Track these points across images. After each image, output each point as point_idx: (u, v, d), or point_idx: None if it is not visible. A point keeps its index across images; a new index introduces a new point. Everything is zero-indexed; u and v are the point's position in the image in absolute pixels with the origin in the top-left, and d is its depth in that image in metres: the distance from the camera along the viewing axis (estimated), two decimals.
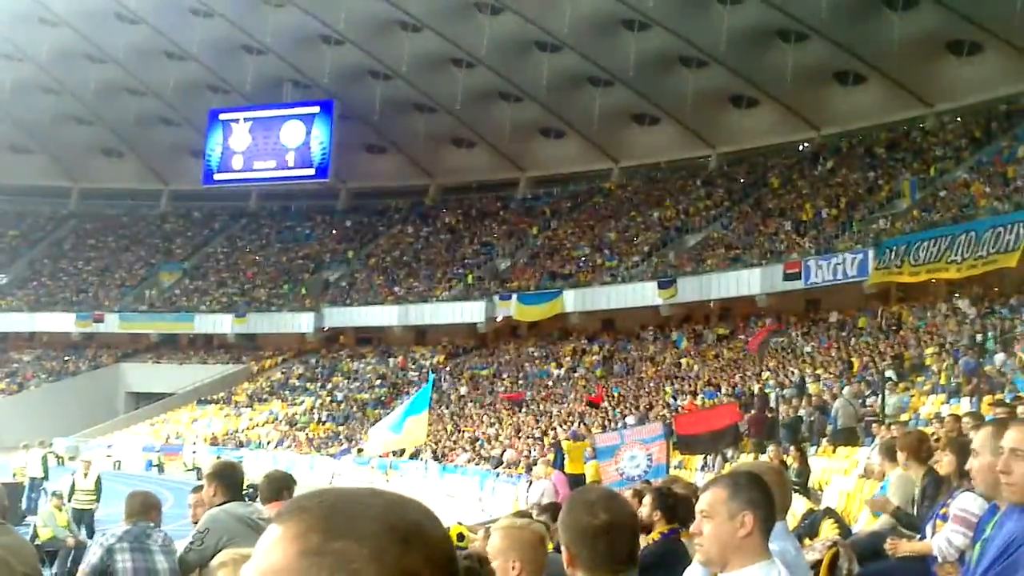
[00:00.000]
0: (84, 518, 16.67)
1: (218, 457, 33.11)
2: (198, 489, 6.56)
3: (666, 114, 47.79)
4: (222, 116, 56.82)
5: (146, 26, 50.21)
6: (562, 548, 2.93)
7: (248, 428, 42.76)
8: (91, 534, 15.21)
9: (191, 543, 5.41)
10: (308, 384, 46.96)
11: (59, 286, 56.46)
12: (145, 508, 6.11)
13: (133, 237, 59.66)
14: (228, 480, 5.74)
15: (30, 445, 24.42)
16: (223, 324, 51.47)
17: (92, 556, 5.98)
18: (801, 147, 46.16)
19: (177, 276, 56.48)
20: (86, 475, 17.48)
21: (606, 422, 30.43)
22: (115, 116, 56.05)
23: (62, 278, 57.29)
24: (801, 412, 23.31)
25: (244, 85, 53.70)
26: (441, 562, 1.13)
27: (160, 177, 61.03)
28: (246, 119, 56.65)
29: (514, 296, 44.29)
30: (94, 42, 51.86)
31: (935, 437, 8.13)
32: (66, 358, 53.21)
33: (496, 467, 29.83)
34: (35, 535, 14.07)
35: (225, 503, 5.60)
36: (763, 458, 18.48)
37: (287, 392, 46.69)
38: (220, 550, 5.19)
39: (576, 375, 39.45)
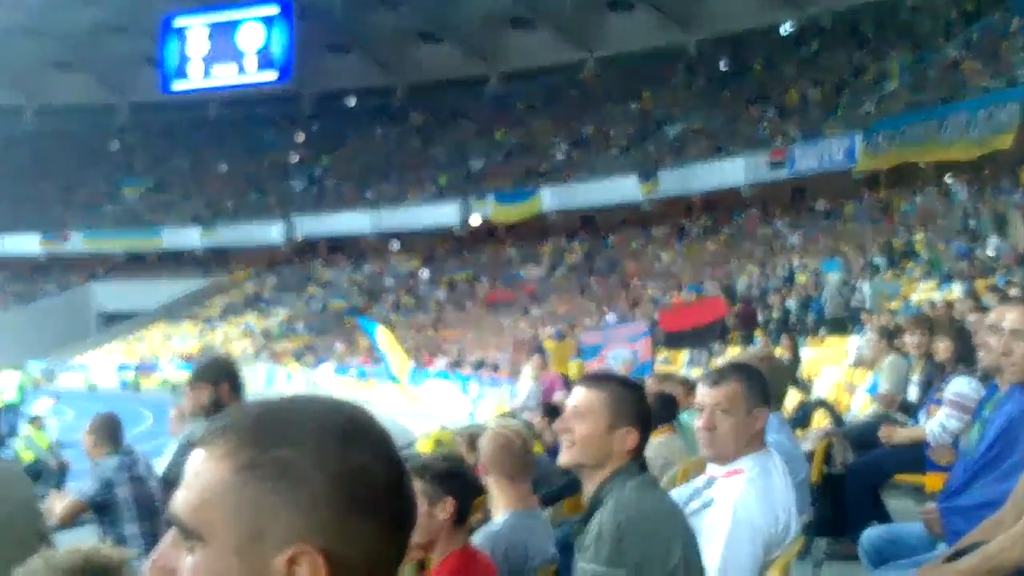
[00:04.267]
0: None
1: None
2: (179, 407, 6.37)
3: None
4: (177, 22, 54.69)
5: None
6: None
7: (224, 342, 41.79)
8: None
9: (176, 459, 5.13)
10: (282, 295, 45.96)
11: (21, 207, 54.75)
12: (117, 433, 5.98)
13: (93, 152, 57.76)
14: (224, 376, 5.21)
15: (3, 368, 24.29)
16: (191, 238, 50.14)
17: (88, 489, 5.88)
18: (783, 29, 44.55)
19: (141, 191, 54.87)
20: None
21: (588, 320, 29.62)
22: (66, 27, 53.68)
23: (23, 199, 55.56)
24: (789, 303, 23.02)
25: None
26: (386, 455, 1.08)
27: (116, 89, 58.87)
28: (202, 24, 54.51)
29: (490, 196, 43.13)
30: None
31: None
32: (35, 280, 52.02)
33: (478, 369, 29.20)
34: (17, 458, 14.00)
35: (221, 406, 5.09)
36: (751, 351, 18.05)
37: (261, 304, 45.76)
38: None
39: (557, 275, 38.53)
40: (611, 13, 47.86)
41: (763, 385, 3.10)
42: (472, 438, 5.65)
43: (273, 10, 53.41)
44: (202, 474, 1.04)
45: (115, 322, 48.39)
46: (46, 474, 14.08)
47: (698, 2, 44.87)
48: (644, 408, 2.81)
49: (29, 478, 5.36)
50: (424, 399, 27.39)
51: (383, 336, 25.83)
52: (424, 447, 8.55)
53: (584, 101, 47.90)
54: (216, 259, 50.81)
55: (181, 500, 1.04)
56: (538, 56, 50.55)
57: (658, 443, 5.68)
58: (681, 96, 44.30)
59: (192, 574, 1.03)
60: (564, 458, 2.78)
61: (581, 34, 49.18)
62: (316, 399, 1.10)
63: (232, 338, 42.34)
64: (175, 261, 51.47)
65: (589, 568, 2.55)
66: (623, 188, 39.04)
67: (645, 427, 2.78)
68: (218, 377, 4.72)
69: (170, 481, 4.99)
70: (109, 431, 6.02)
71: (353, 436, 1.05)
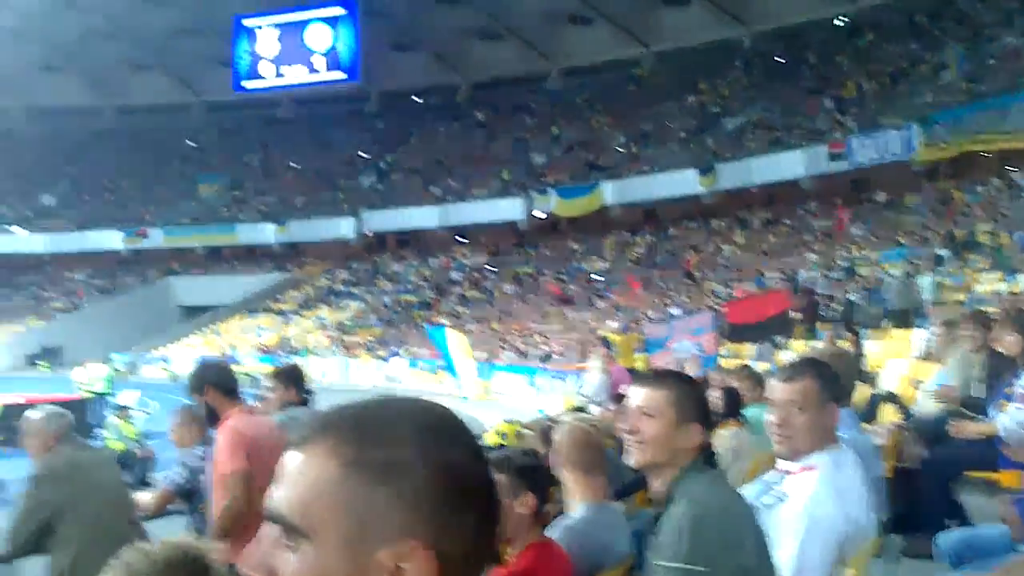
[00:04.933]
0: None
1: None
2: (263, 398, 6.63)
3: None
4: (247, 22, 56.32)
5: None
6: None
7: (298, 335, 43.32)
8: None
9: None
10: (353, 289, 47.36)
11: (104, 204, 57.07)
12: (202, 424, 6.13)
13: (169, 151, 59.74)
14: (292, 383, 5.93)
15: (90, 360, 24.84)
16: (265, 233, 51.88)
17: (177, 476, 6.10)
18: (839, 21, 44.93)
19: (216, 188, 56.76)
20: None
21: (654, 314, 30.54)
22: (141, 30, 55.62)
23: (105, 196, 57.84)
24: (852, 296, 23.07)
25: None
26: (477, 452, 1.14)
27: (191, 89, 60.81)
28: (271, 24, 56.17)
29: (552, 191, 44.11)
30: None
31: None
32: (116, 275, 53.97)
33: (545, 362, 30.11)
34: (106, 448, 14.20)
35: (290, 404, 5.80)
36: (816, 343, 18.52)
37: (333, 298, 47.14)
38: None
39: (620, 268, 39.44)
40: (667, 8, 48.53)
41: (835, 381, 3.08)
42: (546, 431, 5.59)
43: (339, 11, 54.84)
44: (306, 472, 1.07)
45: (194, 315, 50.01)
46: (133, 464, 14.29)
47: None
48: (704, 403, 2.85)
49: (119, 467, 5.86)
50: (492, 392, 28.54)
51: (453, 339, 27.06)
52: (489, 440, 8.62)
53: (642, 96, 48.69)
54: (290, 254, 52.47)
55: (283, 498, 1.07)
56: (596, 52, 51.45)
57: (725, 437, 5.65)
58: (738, 89, 44.88)
59: (296, 571, 1.06)
60: (634, 458, 2.78)
61: (638, 29, 49.95)
62: (407, 399, 1.15)
63: (306, 331, 43.79)
64: (250, 256, 53.28)
65: (665, 566, 2.52)
66: (683, 181, 39.81)
67: (707, 422, 2.81)
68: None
69: None
70: (195, 422, 6.25)
71: (447, 433, 1.10)
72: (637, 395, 2.78)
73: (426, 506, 1.07)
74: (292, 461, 1.10)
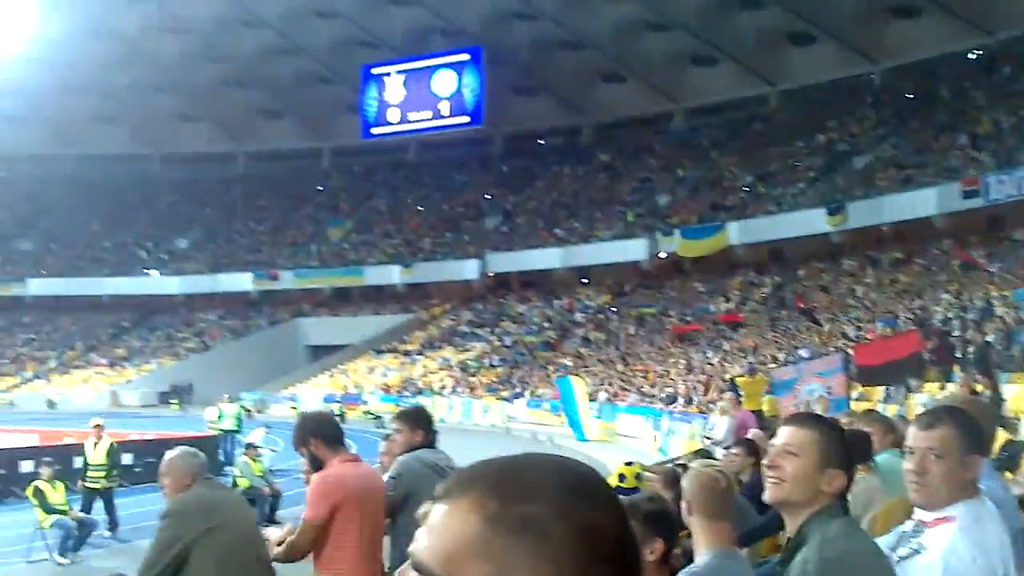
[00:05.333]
0: (94, 500, 13.94)
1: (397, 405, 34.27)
2: (388, 437, 6.70)
3: (823, 31, 46.12)
4: (375, 70, 57.87)
5: None
6: None
7: (423, 375, 43.80)
8: (110, 512, 13.96)
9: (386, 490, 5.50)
10: (477, 330, 47.71)
11: (235, 247, 58.97)
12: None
13: (299, 195, 61.49)
14: (418, 425, 5.86)
15: (228, 399, 25.42)
16: (391, 275, 52.84)
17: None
18: (973, 55, 43.66)
19: (344, 231, 58.12)
20: (96, 445, 14.38)
21: (781, 355, 29.91)
22: (273, 78, 57.63)
23: (237, 239, 59.78)
24: (989, 337, 22.20)
25: (393, 38, 54.51)
26: (618, 512, 1.13)
27: (320, 135, 62.59)
28: (398, 72, 57.58)
29: (676, 231, 43.84)
30: (248, 8, 53.28)
31: None
32: (247, 316, 55.55)
33: (669, 404, 29.73)
34: (234, 485, 14.66)
35: (416, 448, 5.71)
36: (950, 387, 17.84)
37: (457, 338, 47.56)
38: (409, 496, 5.28)
39: (746, 308, 38.83)
40: (793, 46, 47.98)
41: (978, 430, 3.00)
42: (670, 475, 5.60)
43: (464, 57, 55.90)
44: (449, 524, 1.09)
45: (322, 355, 51.10)
46: (259, 501, 14.46)
47: (881, 32, 44.54)
48: (848, 451, 2.81)
49: (249, 505, 6.14)
50: (614, 434, 28.35)
51: (577, 388, 26.92)
52: (608, 482, 8.72)
53: (768, 134, 48.10)
54: (415, 295, 53.28)
55: (427, 548, 1.10)
56: (721, 91, 51.11)
57: (854, 483, 5.28)
58: (868, 126, 43.97)
59: None
60: (772, 494, 2.76)
61: (763, 68, 49.47)
62: (552, 456, 1.15)
63: (430, 371, 44.26)
64: (377, 297, 54.30)
65: None
66: (811, 221, 39.07)
67: (849, 469, 2.77)
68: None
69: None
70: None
71: (587, 491, 1.11)
72: (784, 432, 2.78)
73: (566, 564, 1.06)
74: (437, 512, 1.13)
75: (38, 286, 58.38)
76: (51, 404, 46.06)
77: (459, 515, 1.09)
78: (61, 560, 12.11)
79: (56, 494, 12.59)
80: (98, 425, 14.27)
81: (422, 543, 1.11)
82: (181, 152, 63.62)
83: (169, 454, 5.25)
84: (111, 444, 14.26)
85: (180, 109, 60.85)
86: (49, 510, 12.42)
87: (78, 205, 61.90)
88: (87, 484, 13.92)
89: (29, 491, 12.72)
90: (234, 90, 59.16)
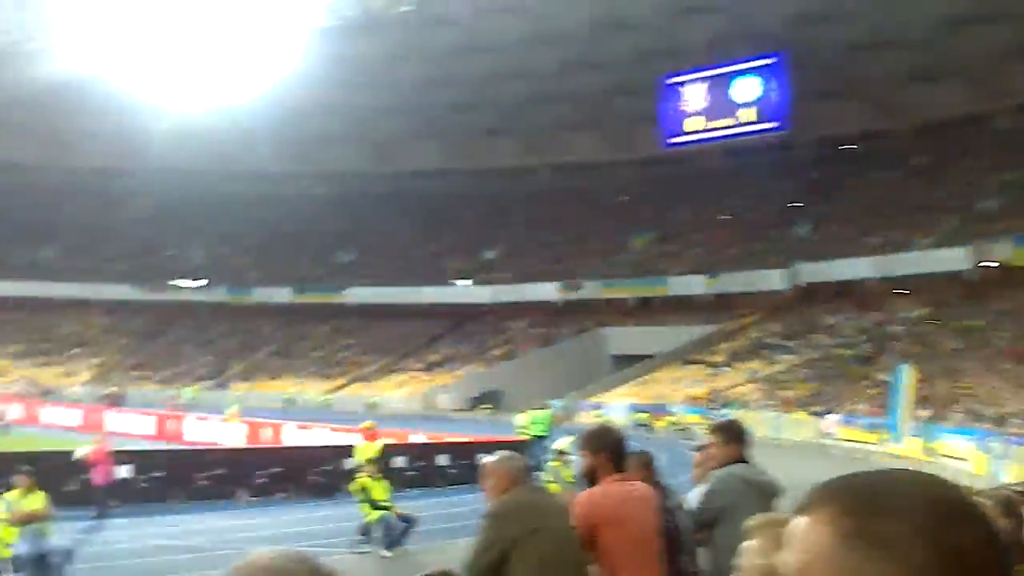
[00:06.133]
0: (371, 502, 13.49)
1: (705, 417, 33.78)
2: (701, 449, 6.57)
3: None
4: (674, 80, 57.63)
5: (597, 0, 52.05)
6: None
7: (729, 387, 42.99)
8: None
9: (700, 503, 5.47)
10: (785, 341, 46.28)
11: (540, 258, 60.44)
12: (648, 469, 6.21)
13: (602, 206, 62.20)
14: (734, 439, 5.70)
15: (531, 406, 25.84)
16: (696, 285, 52.33)
17: None
18: None
19: (648, 240, 58.20)
20: (367, 448, 14.10)
21: None
22: (574, 92, 58.67)
23: (542, 250, 61.25)
24: None
25: (692, 46, 54.01)
26: (989, 536, 1.05)
27: (621, 146, 63.09)
28: (698, 80, 57.05)
29: (1004, 238, 40.67)
30: (550, 25, 54.52)
31: None
32: (553, 325, 56.72)
33: (999, 426, 27.60)
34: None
35: (730, 463, 5.58)
36: None
37: (765, 350, 46.33)
38: (725, 511, 5.17)
39: None
40: None
41: None
42: (1005, 502, 5.62)
43: (767, 62, 54.54)
44: (805, 539, 1.08)
45: (626, 364, 51.28)
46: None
47: None
48: None
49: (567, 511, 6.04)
50: (937, 454, 26.58)
51: (907, 379, 25.34)
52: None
53: None
54: (721, 305, 52.43)
55: (786, 562, 1.12)
56: None
57: None
58: None
59: None
60: None
61: None
62: (912, 471, 1.10)
63: (737, 383, 43.35)
64: (681, 307, 53.87)
65: None
66: None
67: None
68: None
69: (699, 522, 5.48)
70: (643, 466, 6.30)
71: (955, 511, 1.05)
72: None
73: None
74: (796, 526, 1.11)
75: (358, 295, 62.46)
76: (370, 406, 48.89)
77: (814, 529, 1.08)
78: (386, 554, 12.70)
79: (380, 490, 13.23)
80: (370, 428, 14.63)
81: (784, 556, 1.11)
82: (488, 167, 66.15)
83: (491, 457, 5.30)
84: (382, 447, 14.56)
85: (488, 125, 63.24)
86: (375, 506, 13.07)
87: (394, 218, 65.62)
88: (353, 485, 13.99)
89: (354, 487, 13.41)
90: (538, 105, 60.75)
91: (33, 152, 69.93)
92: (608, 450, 4.98)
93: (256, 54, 56.63)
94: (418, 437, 24.52)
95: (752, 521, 3.15)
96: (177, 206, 68.70)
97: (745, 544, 2.92)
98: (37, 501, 10.01)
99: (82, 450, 14.89)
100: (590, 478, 4.99)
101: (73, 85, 57.87)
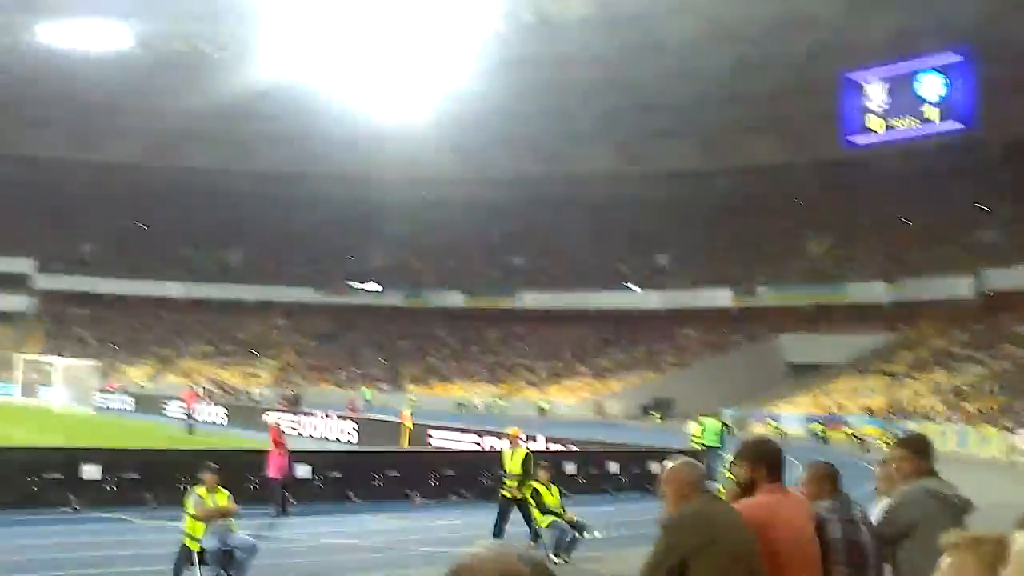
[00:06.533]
0: (509, 509, 13.34)
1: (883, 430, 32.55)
2: (884, 462, 6.35)
3: None
4: (853, 77, 55.60)
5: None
6: None
7: (911, 398, 41.32)
8: (527, 522, 13.12)
9: (883, 517, 5.26)
10: (972, 352, 44.15)
11: (713, 263, 59.53)
12: (835, 480, 5.84)
13: (777, 210, 60.80)
14: (922, 453, 5.46)
15: (704, 415, 25.42)
16: (875, 292, 50.61)
17: None
18: None
19: (825, 245, 56.54)
20: (512, 454, 13.90)
21: None
22: (749, 93, 57.47)
23: (715, 255, 60.30)
24: None
25: (874, 42, 52.04)
26: None
27: (798, 148, 61.49)
28: (879, 77, 54.91)
29: None
30: (723, 25, 53.54)
31: None
32: (726, 332, 55.79)
33: None
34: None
35: (918, 477, 5.36)
36: None
37: (949, 361, 44.34)
38: (912, 527, 5.00)
39: None
40: None
41: None
42: None
43: (953, 58, 52.04)
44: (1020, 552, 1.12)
45: (802, 373, 49.95)
46: None
47: None
48: None
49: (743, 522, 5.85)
50: None
51: None
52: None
53: None
54: (901, 313, 50.42)
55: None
56: None
57: None
58: None
59: None
60: None
61: None
62: None
63: (919, 394, 41.64)
64: (860, 315, 52.05)
65: None
66: None
67: None
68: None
69: (882, 537, 5.16)
70: (827, 478, 5.84)
71: None
72: None
73: None
74: (1016, 543, 1.19)
75: (530, 300, 62.92)
76: (541, 411, 49.13)
77: None
78: (555, 559, 12.66)
79: (552, 496, 13.20)
80: (514, 434, 14.43)
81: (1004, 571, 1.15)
82: (661, 170, 65.58)
83: (671, 462, 5.20)
84: (526, 454, 13.99)
85: (660, 128, 62.69)
86: (544, 511, 13.05)
87: (565, 223, 65.83)
88: (503, 492, 13.63)
89: (527, 491, 13.39)
90: (714, 106, 59.80)
91: (218, 158, 73.41)
92: (765, 461, 4.85)
93: (434, 60, 57.77)
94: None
95: (951, 537, 3.00)
96: (355, 211, 70.77)
97: (945, 561, 2.77)
98: (222, 498, 10.41)
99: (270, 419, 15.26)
100: (748, 490, 4.87)
101: (257, 93, 60.43)
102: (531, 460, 13.67)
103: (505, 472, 13.64)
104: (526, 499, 13.26)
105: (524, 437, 14.69)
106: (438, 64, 57.95)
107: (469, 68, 57.83)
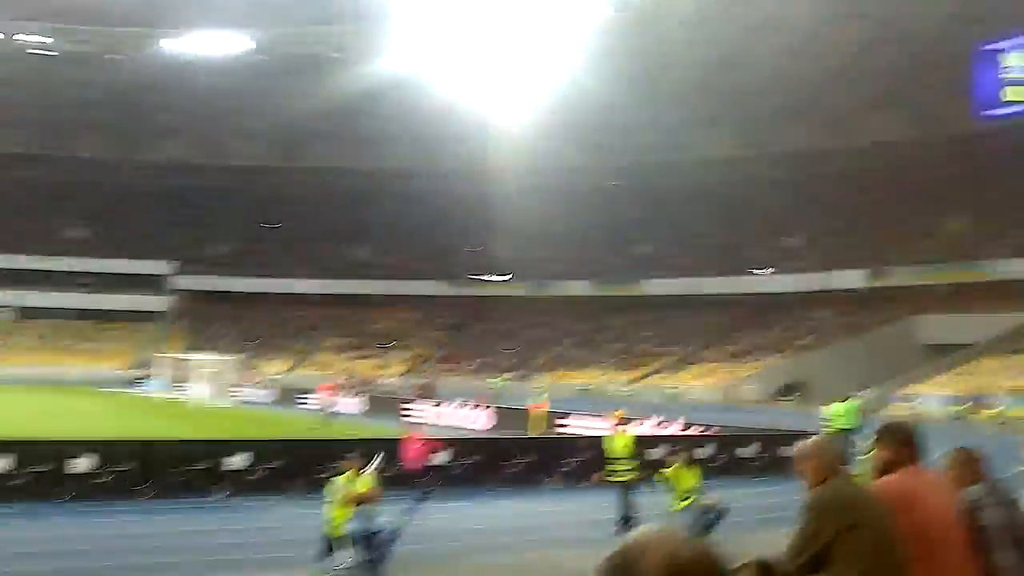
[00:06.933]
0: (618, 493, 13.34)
1: None
2: None
3: None
4: (989, 47, 53.44)
5: None
6: None
7: None
8: (626, 510, 13.07)
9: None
10: None
11: (845, 244, 58.18)
12: (979, 465, 5.85)
13: (910, 187, 59.02)
14: None
15: (838, 397, 24.90)
16: (1017, 269, 48.63)
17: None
18: None
19: (961, 223, 54.61)
20: (617, 438, 13.84)
21: None
22: (876, 68, 55.92)
23: (847, 236, 58.93)
24: None
25: (1013, 10, 49.92)
26: None
27: (929, 123, 59.55)
28: (1018, 47, 52.64)
29: None
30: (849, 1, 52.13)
31: None
32: (859, 313, 54.52)
33: None
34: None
35: None
36: None
37: None
38: None
39: None
40: None
41: None
42: None
43: None
44: None
45: (940, 354, 48.44)
46: None
47: None
48: None
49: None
50: None
51: None
52: None
53: None
54: None
55: None
56: None
57: None
58: None
59: None
60: None
61: None
62: None
63: None
64: (1001, 292, 50.11)
65: None
66: None
67: None
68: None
69: None
70: (970, 462, 5.94)
71: None
72: None
73: None
74: None
75: (656, 286, 62.56)
76: (671, 397, 48.81)
77: None
78: None
79: (689, 479, 13.11)
80: (620, 418, 14.26)
81: None
82: (784, 151, 64.34)
83: (809, 441, 5.18)
84: (632, 438, 13.96)
85: (782, 108, 61.50)
86: (680, 495, 13.01)
87: (691, 208, 65.16)
88: (607, 477, 13.62)
89: (664, 475, 13.34)
90: (838, 84, 58.38)
91: (340, 156, 75.09)
92: (904, 444, 4.86)
93: (546, 51, 57.89)
94: (672, 429, 24.10)
95: None
96: (476, 203, 71.41)
97: None
98: (364, 484, 10.72)
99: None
100: (886, 472, 4.89)
101: (373, 92, 61.59)
102: (637, 444, 13.63)
103: (615, 457, 13.52)
104: (632, 483, 13.22)
105: (626, 420, 14.57)
106: (551, 54, 58.07)
107: (582, 57, 57.74)
